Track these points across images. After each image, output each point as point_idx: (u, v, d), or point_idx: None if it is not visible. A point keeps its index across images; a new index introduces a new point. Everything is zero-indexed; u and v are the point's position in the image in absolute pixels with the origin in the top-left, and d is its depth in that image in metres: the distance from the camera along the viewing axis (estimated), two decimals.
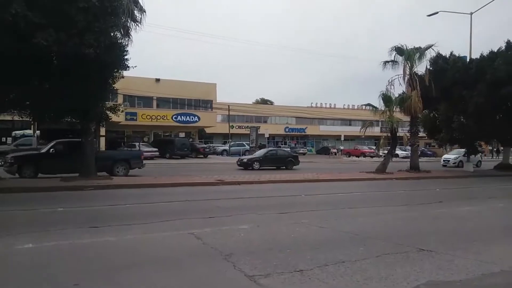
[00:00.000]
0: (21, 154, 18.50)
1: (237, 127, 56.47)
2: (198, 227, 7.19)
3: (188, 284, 4.35)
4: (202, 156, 40.10)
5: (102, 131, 35.75)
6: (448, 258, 5.46)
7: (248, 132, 44.23)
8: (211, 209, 9.48)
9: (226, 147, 46.79)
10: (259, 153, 27.53)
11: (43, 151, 17.86)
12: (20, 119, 18.89)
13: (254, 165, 24.87)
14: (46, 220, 7.90)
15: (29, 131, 31.03)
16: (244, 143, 46.12)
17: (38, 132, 31.04)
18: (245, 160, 25.83)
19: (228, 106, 45.22)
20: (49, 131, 32.12)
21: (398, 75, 23.93)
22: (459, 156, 31.57)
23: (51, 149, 17.35)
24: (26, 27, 10.07)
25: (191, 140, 44.92)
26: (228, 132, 46.67)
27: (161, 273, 4.67)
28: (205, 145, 44.44)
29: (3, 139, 31.37)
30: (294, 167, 26.52)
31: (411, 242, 6.33)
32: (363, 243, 6.28)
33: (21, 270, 4.74)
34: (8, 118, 19.25)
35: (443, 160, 33.17)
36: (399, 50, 23.68)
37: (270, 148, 31.48)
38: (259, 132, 41.59)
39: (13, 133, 31.91)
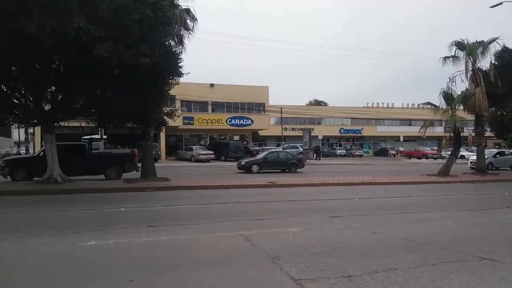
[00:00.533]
0: (12, 158, 19.26)
1: (290, 129, 56.31)
2: (247, 229, 7.28)
3: (234, 285, 4.43)
4: None
5: (162, 135, 37.56)
6: None
7: (302, 134, 43.93)
8: (261, 211, 9.55)
9: (280, 149, 46.83)
10: (260, 156, 26.12)
11: (35, 154, 18.26)
12: (87, 125, 20.37)
13: (252, 168, 23.47)
14: (108, 220, 8.43)
15: (96, 136, 33.39)
16: (297, 145, 45.88)
17: (105, 136, 33.31)
18: (243, 163, 24.52)
19: (281, 108, 45.29)
20: (114, 136, 34.40)
21: (460, 71, 22.44)
22: (488, 157, 26.16)
23: (42, 153, 17.33)
24: (87, 40, 10.88)
25: (245, 143, 45.57)
26: (281, 134, 46.69)
27: (209, 272, 4.79)
28: (258, 148, 44.82)
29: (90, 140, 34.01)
30: (299, 170, 24.81)
31: (472, 250, 5.91)
32: (419, 250, 5.97)
33: (83, 266, 5.12)
34: (76, 124, 20.86)
35: (470, 163, 27.67)
36: (460, 45, 22.19)
37: (271, 150, 28.48)
38: (312, 134, 41.16)
39: (82, 138, 34.53)
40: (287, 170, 24.44)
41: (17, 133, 61.05)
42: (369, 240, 6.73)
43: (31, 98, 15.61)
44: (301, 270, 4.88)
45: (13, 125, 24.35)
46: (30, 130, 35.66)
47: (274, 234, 6.92)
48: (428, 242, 6.44)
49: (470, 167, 26.58)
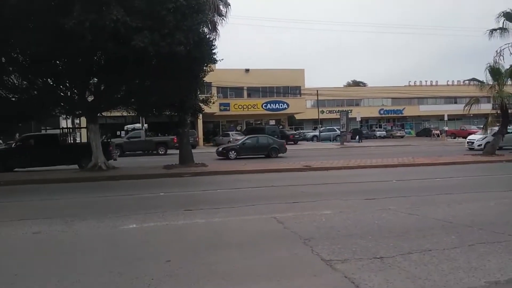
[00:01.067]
0: None
1: (327, 111, 55.49)
2: (281, 212, 7.39)
3: (265, 265, 4.55)
4: (292, 142, 40.36)
5: (199, 122, 38.31)
6: None
7: (339, 116, 43.22)
8: (295, 195, 9.62)
9: (316, 132, 46.37)
10: (239, 141, 25.19)
11: (12, 146, 18.76)
12: (128, 114, 21.16)
13: (230, 154, 22.79)
14: (148, 204, 8.83)
15: (138, 125, 34.65)
16: (335, 127, 45.21)
17: (146, 125, 34.51)
18: (220, 149, 23.92)
19: (317, 91, 44.67)
20: (155, 124, 35.55)
21: (508, 44, 21.02)
22: (485, 137, 23.92)
23: (18, 143, 18.15)
24: (125, 31, 11.24)
25: (281, 127, 45.50)
26: (317, 117, 46.16)
27: (242, 253, 4.96)
28: (295, 132, 44.64)
29: (118, 132, 35.52)
30: (281, 154, 23.66)
31: None
32: (456, 231, 5.83)
33: (124, 247, 5.46)
34: (118, 114, 21.73)
35: (467, 143, 25.90)
36: (509, 16, 20.72)
37: (250, 136, 27.09)
38: (350, 116, 40.35)
39: (125, 127, 35.96)
40: (269, 155, 23.44)
41: (65, 124, 64.40)
42: (405, 222, 6.62)
43: (75, 91, 16.44)
44: (332, 252, 4.92)
45: (60, 116, 25.73)
46: (77, 121, 37.54)
47: (307, 217, 6.97)
48: (467, 223, 6.26)
49: (468, 148, 24.93)
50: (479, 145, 24.07)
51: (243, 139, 25.11)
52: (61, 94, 16.51)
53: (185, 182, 13.17)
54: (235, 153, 23.02)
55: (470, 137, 26.92)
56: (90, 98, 16.88)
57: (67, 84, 16.48)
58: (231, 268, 4.47)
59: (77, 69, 14.79)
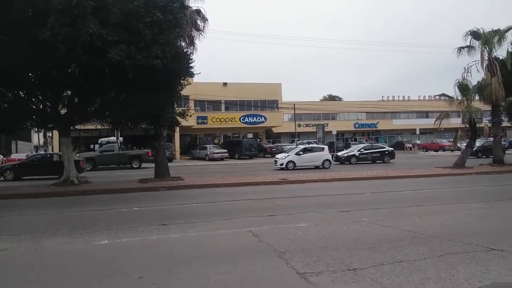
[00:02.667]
0: None
1: (304, 125, 56.13)
2: (257, 225, 7.39)
3: (239, 280, 4.53)
4: (269, 155, 40.56)
5: (176, 135, 38.02)
6: None
7: (315, 130, 43.78)
8: (272, 208, 9.64)
9: (294, 146, 46.75)
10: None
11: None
12: (103, 127, 20.79)
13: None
14: (122, 219, 8.66)
15: (113, 138, 34.03)
16: (311, 141, 45.71)
17: (121, 138, 33.92)
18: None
19: (294, 105, 45.16)
20: (130, 137, 35.00)
21: (475, 61, 22.09)
22: (287, 156, 24.05)
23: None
24: (101, 44, 11.15)
25: (258, 140, 45.69)
26: (295, 131, 46.63)
27: (216, 268, 4.91)
28: (272, 145, 44.88)
29: (91, 146, 34.75)
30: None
31: (481, 241, 5.88)
32: (426, 242, 5.97)
33: (95, 264, 5.31)
34: (92, 127, 21.31)
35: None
36: (475, 34, 21.77)
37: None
38: (326, 129, 40.95)
39: (100, 140, 35.23)
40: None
41: (37, 137, 62.61)
42: (378, 233, 6.75)
43: (48, 103, 16.06)
44: (306, 264, 4.95)
45: (32, 129, 25.02)
46: (49, 134, 36.56)
47: (282, 230, 7.00)
48: (436, 235, 6.43)
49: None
50: (281, 164, 23.15)
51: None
52: (33, 106, 16.09)
53: (160, 196, 12.98)
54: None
55: (277, 155, 26.30)
56: (63, 111, 16.52)
57: (40, 96, 16.09)
58: (205, 283, 4.42)
59: (50, 81, 14.49)
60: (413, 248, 5.64)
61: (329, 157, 24.95)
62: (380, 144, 34.23)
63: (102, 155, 28.33)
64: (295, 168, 22.78)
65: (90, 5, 10.83)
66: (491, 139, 43.53)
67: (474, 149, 29.82)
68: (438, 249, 5.55)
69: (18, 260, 5.66)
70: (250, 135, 46.37)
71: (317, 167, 23.59)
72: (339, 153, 29.80)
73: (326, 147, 26.57)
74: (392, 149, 31.49)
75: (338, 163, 27.91)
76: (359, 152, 28.67)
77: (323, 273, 4.63)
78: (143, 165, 28.10)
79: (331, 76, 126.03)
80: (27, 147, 60.08)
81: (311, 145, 28.00)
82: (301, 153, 24.21)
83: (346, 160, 28.09)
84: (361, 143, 54.81)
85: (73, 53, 11.69)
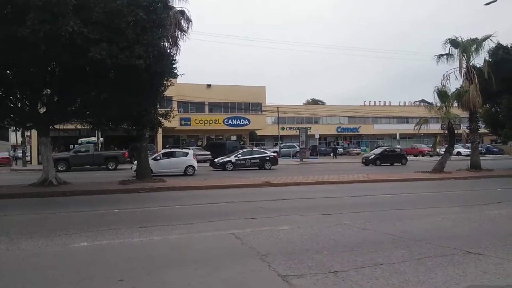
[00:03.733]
0: None
1: (287, 128, 56.43)
2: (239, 228, 7.38)
3: (221, 282, 4.51)
4: None
5: (159, 136, 37.64)
6: (496, 262, 5.14)
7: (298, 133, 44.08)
8: (254, 210, 9.64)
9: (277, 149, 46.92)
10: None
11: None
12: (83, 127, 20.40)
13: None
14: (102, 221, 8.50)
15: (93, 139, 33.42)
16: (294, 144, 46.00)
17: (101, 139, 33.35)
18: None
19: (277, 108, 45.39)
20: (111, 138, 34.45)
21: (454, 68, 22.62)
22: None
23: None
24: (82, 43, 10.95)
25: (242, 143, 45.65)
26: (278, 134, 46.82)
27: (198, 271, 4.88)
28: (255, 148, 44.91)
29: (71, 146, 34.06)
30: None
31: (458, 244, 6.03)
32: (406, 245, 6.08)
33: (74, 266, 5.19)
34: (72, 127, 20.87)
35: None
36: (454, 43, 22.35)
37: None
38: (309, 133, 41.27)
39: (79, 140, 34.56)
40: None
41: (15, 136, 60.95)
42: (359, 236, 6.83)
43: (26, 102, 15.67)
44: (288, 267, 4.97)
45: (9, 128, 24.35)
46: (27, 133, 35.64)
47: (265, 233, 7.01)
48: (416, 238, 6.55)
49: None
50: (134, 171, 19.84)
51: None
52: (11, 104, 15.66)
53: (142, 198, 12.81)
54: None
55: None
56: (42, 110, 16.14)
57: (18, 95, 15.68)
58: (186, 286, 4.39)
59: (29, 79, 14.12)
60: (393, 251, 5.73)
61: (193, 163, 22.77)
62: (261, 150, 31.14)
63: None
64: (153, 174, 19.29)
65: (71, 2, 10.63)
66: (424, 146, 45.59)
67: (371, 156, 31.49)
68: (417, 252, 5.65)
69: None
70: (233, 138, 46.34)
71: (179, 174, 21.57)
72: (216, 159, 27.25)
73: (191, 151, 24.21)
74: (274, 155, 29.33)
75: (214, 169, 26.21)
76: (236, 158, 26.32)
77: (305, 276, 4.66)
78: (120, 166, 27.74)
79: (315, 81, 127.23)
80: (4, 146, 58.38)
81: (173, 150, 25.26)
82: (158, 158, 22.15)
83: (221, 167, 25.87)
84: (343, 147, 55.74)
85: (53, 51, 11.44)
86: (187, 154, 23.18)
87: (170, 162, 22.06)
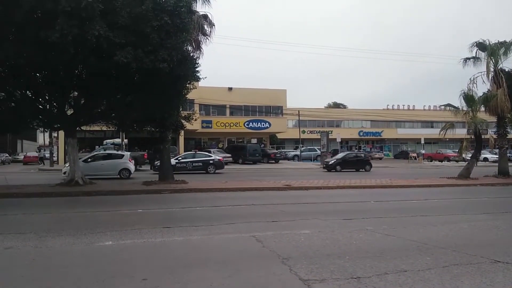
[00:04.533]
0: None
1: (308, 132, 56.11)
2: (260, 231, 7.38)
3: (242, 284, 4.53)
4: (273, 161, 40.53)
5: (181, 139, 38.12)
6: None
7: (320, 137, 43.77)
8: (275, 214, 9.64)
9: (297, 152, 46.74)
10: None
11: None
12: (108, 129, 20.88)
13: None
14: (126, 221, 8.68)
15: (118, 140, 34.14)
16: (315, 148, 45.71)
17: (126, 140, 34.03)
18: None
19: (298, 111, 45.22)
20: (135, 139, 35.12)
21: (481, 72, 22.00)
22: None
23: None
24: (108, 47, 11.25)
25: (262, 146, 45.70)
26: (299, 137, 46.63)
27: (219, 272, 4.92)
28: (276, 151, 44.87)
29: (96, 147, 34.90)
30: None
31: (486, 253, 5.85)
32: (431, 252, 5.94)
33: (99, 265, 5.33)
34: (97, 128, 21.36)
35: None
36: (481, 46, 21.76)
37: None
38: (330, 137, 40.91)
39: (104, 141, 35.38)
40: None
41: (42, 137, 62.96)
42: (382, 242, 6.72)
43: (55, 104, 16.18)
44: (310, 271, 4.94)
45: (38, 129, 25.17)
46: (54, 134, 36.77)
47: (286, 236, 6.99)
48: (441, 245, 6.39)
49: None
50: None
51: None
52: (40, 106, 16.22)
53: (164, 199, 13.01)
54: None
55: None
56: (69, 112, 16.63)
57: (46, 97, 16.22)
58: (207, 287, 4.42)
59: (58, 82, 14.61)
60: (417, 258, 5.61)
61: (129, 165, 21.49)
62: (205, 153, 29.26)
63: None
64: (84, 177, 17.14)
65: (99, 7, 10.93)
66: (450, 151, 43.86)
67: (331, 162, 29.35)
68: (443, 259, 5.52)
69: (23, 258, 5.70)
70: (254, 141, 46.43)
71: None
72: (155, 162, 25.29)
73: (126, 154, 22.89)
74: (220, 158, 27.67)
75: (154, 172, 24.26)
76: (177, 161, 24.90)
77: (327, 281, 4.62)
78: (141, 167, 28.07)
79: (336, 84, 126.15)
80: (33, 147, 60.42)
81: (107, 152, 24.00)
82: (89, 160, 20.89)
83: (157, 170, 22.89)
84: (365, 151, 55.02)
85: (81, 54, 11.80)
86: (122, 156, 21.97)
87: (103, 165, 20.88)
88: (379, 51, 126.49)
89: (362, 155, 33.40)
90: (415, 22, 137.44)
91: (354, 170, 28.66)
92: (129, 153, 24.16)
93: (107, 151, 24.80)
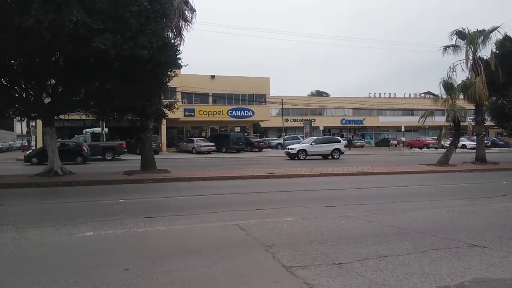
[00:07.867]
0: None
1: (291, 120, 56.35)
2: (243, 219, 7.39)
3: (226, 273, 4.52)
4: (257, 150, 40.63)
5: (163, 127, 37.71)
6: (502, 255, 5.11)
7: (303, 125, 43.98)
8: (258, 202, 9.67)
9: (281, 140, 46.91)
10: None
11: None
12: (88, 117, 20.45)
13: None
14: (107, 211, 8.55)
15: (98, 129, 33.55)
16: (298, 136, 45.96)
17: (106, 129, 33.46)
18: None
19: (282, 99, 45.28)
20: (115, 129, 34.56)
21: (460, 60, 22.35)
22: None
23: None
24: (85, 33, 10.91)
25: (246, 134, 45.66)
26: (282, 125, 46.76)
27: (202, 261, 4.90)
28: (259, 139, 44.96)
29: (75, 136, 34.22)
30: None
31: (463, 237, 6.00)
32: (411, 237, 6.06)
33: (80, 256, 5.24)
34: (76, 117, 20.86)
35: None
36: (461, 34, 22.06)
37: None
38: (313, 125, 41.20)
39: (84, 131, 34.71)
40: None
41: (20, 126, 61.30)
42: (363, 228, 6.82)
43: (31, 92, 15.70)
44: (293, 258, 4.98)
45: (14, 118, 24.44)
46: (32, 123, 35.83)
47: (269, 224, 7.02)
48: (420, 230, 6.53)
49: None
50: None
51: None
52: (16, 95, 15.71)
53: (146, 189, 12.86)
54: None
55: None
56: (47, 100, 16.17)
57: (22, 85, 15.72)
58: (191, 275, 4.40)
59: (34, 70, 14.15)
60: (397, 243, 5.72)
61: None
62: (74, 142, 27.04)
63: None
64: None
65: None
66: (429, 138, 44.38)
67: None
68: (422, 244, 5.64)
69: (0, 250, 5.54)
70: (237, 129, 46.33)
71: None
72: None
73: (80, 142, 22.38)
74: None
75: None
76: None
77: (309, 267, 4.66)
78: (123, 157, 27.78)
79: (319, 72, 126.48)
80: (10, 136, 58.76)
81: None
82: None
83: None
84: (347, 139, 55.65)
85: (57, 41, 11.40)
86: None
87: None
88: (362, 39, 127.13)
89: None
90: (398, 11, 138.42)
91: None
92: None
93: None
